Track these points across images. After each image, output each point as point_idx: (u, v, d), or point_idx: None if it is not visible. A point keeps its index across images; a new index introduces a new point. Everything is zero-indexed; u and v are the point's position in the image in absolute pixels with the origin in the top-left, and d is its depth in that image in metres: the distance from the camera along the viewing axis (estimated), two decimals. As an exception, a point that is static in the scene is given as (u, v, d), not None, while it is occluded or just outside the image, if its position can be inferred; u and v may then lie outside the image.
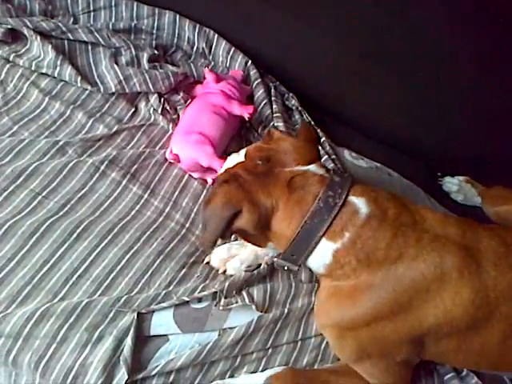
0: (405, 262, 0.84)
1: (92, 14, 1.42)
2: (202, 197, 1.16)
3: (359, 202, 0.86)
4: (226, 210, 0.85)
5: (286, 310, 1.02)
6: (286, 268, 0.95)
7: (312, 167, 0.90)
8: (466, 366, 1.02)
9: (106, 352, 0.89)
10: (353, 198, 0.87)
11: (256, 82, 1.37)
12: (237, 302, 0.99)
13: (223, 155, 1.12)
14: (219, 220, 0.85)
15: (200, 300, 0.99)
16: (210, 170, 1.15)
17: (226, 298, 1.00)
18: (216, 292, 0.99)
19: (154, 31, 1.41)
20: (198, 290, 0.99)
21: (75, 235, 1.00)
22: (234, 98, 1.23)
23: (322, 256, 0.87)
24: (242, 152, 0.97)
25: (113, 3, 1.43)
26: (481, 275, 0.83)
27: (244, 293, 1.01)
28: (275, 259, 0.97)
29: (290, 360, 1.00)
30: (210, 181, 1.19)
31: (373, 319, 0.87)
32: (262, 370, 0.98)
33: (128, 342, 0.89)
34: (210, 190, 0.95)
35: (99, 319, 0.91)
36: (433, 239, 0.85)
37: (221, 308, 0.98)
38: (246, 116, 1.20)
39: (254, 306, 0.99)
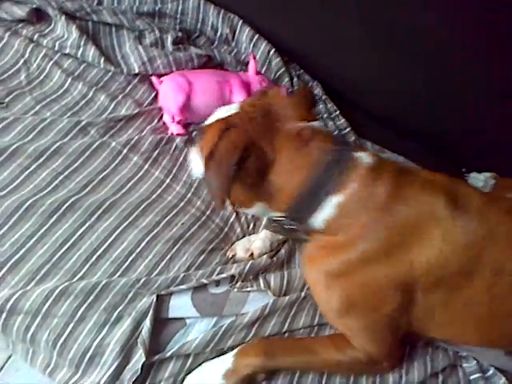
0: (398, 202, 0.84)
1: (116, -5, 1.40)
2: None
3: (362, 155, 0.87)
4: (234, 154, 0.81)
5: (302, 294, 1.00)
6: (288, 227, 0.92)
7: (317, 124, 0.90)
8: (453, 336, 0.95)
9: (124, 333, 0.88)
10: (356, 153, 0.88)
11: (279, 72, 1.35)
12: (252, 287, 0.98)
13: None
14: (227, 169, 0.81)
15: (218, 284, 0.98)
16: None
17: (243, 281, 0.98)
18: (234, 276, 0.98)
19: (178, 16, 1.39)
20: (215, 273, 0.98)
21: (96, 216, 0.99)
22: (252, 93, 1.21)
23: (325, 210, 0.86)
24: (235, 106, 0.95)
25: (137, -14, 1.41)
26: (468, 217, 0.83)
27: (261, 279, 1.00)
28: (276, 221, 0.94)
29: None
30: (170, 131, 1.18)
31: (364, 262, 0.85)
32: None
33: (146, 323, 0.88)
34: (207, 143, 0.87)
35: (118, 300, 0.90)
36: (424, 182, 0.87)
37: (236, 290, 0.98)
38: None
39: (270, 292, 0.98)
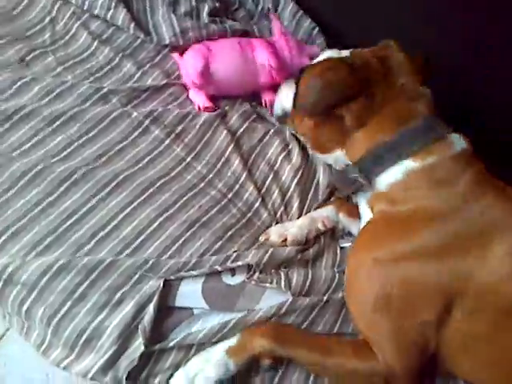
0: (474, 201, 0.79)
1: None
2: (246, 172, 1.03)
3: (458, 138, 0.86)
4: (346, 87, 0.87)
5: (324, 298, 0.90)
6: (352, 177, 0.92)
7: (427, 91, 0.91)
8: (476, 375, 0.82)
9: (125, 317, 0.80)
10: (453, 134, 0.86)
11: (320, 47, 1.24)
12: (271, 283, 0.89)
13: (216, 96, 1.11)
14: (332, 95, 0.88)
15: (234, 274, 0.89)
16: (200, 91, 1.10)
17: (261, 272, 0.90)
18: (251, 266, 0.89)
19: None
20: (230, 260, 0.89)
21: (108, 189, 0.91)
22: (279, 55, 1.10)
23: (393, 172, 0.85)
24: (345, 52, 0.99)
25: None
26: None
27: (282, 274, 0.91)
28: (342, 167, 0.96)
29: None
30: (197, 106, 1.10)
31: (419, 253, 0.78)
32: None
33: (149, 310, 0.81)
34: (312, 74, 0.92)
35: (122, 281, 0.83)
36: (503, 191, 0.81)
37: (253, 283, 0.89)
38: (267, 68, 1.08)
39: (289, 293, 0.89)
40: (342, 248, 1.03)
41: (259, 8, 1.30)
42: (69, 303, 0.80)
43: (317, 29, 1.26)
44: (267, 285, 0.89)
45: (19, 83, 0.99)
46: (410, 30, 1.10)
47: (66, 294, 0.80)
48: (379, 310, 0.79)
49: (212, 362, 0.81)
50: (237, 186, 1.02)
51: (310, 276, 0.93)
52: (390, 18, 1.16)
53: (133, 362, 0.78)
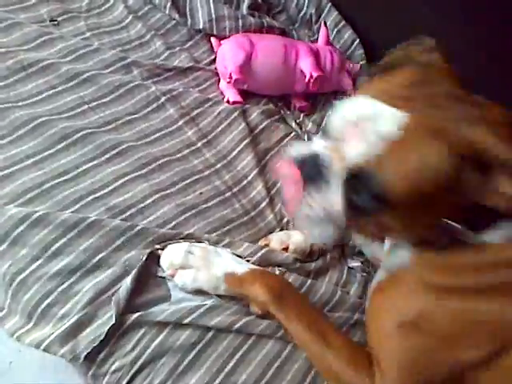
0: None
1: None
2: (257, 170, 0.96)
3: None
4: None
5: None
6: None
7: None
8: None
9: (98, 285, 0.73)
10: None
11: (361, 63, 1.18)
12: None
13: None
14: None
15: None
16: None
17: None
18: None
19: None
20: (222, 244, 0.83)
21: (108, 155, 0.86)
22: (320, 65, 1.06)
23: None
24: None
25: None
26: None
27: (277, 273, 0.82)
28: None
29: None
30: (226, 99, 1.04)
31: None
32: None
33: (127, 281, 0.73)
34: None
35: (103, 243, 0.76)
36: None
37: None
38: (307, 77, 1.03)
39: None
40: (349, 268, 0.93)
41: (301, 14, 1.27)
42: (38, 262, 0.73)
43: (357, 41, 1.22)
44: None
45: (44, 38, 0.97)
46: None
47: (37, 250, 0.73)
48: (405, 333, 0.66)
49: (209, 271, 0.76)
50: (245, 182, 0.95)
51: (306, 285, 0.83)
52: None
53: (99, 336, 0.70)
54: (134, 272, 0.74)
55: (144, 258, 0.76)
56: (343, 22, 1.23)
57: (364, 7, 1.23)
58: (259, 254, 0.82)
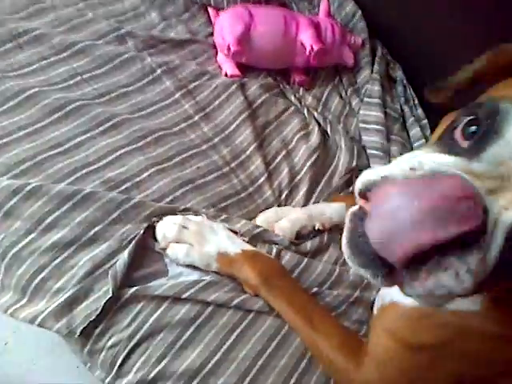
0: None
1: None
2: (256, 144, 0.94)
3: None
4: None
5: (315, 290, 0.80)
6: None
7: None
8: None
9: (94, 258, 0.72)
10: None
11: (362, 36, 1.16)
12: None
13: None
14: None
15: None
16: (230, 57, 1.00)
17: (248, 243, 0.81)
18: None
19: None
20: (220, 219, 0.81)
21: (102, 128, 0.83)
22: (321, 38, 1.03)
23: None
24: None
25: None
26: None
27: (274, 250, 0.81)
28: None
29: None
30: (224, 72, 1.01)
31: None
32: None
33: (124, 255, 0.72)
34: None
35: (99, 216, 0.74)
36: None
37: None
38: (308, 49, 1.00)
39: None
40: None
41: (302, -15, 1.22)
42: (32, 235, 0.71)
43: (359, 13, 1.18)
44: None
45: (36, 6, 0.93)
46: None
47: (31, 222, 0.71)
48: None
49: (202, 248, 0.76)
50: (243, 156, 0.92)
51: (303, 263, 0.82)
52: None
53: (95, 311, 0.69)
54: (131, 245, 0.73)
55: (141, 232, 0.74)
56: (345, -5, 1.20)
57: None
58: (255, 232, 0.81)
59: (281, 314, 0.75)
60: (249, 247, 0.78)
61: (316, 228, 0.88)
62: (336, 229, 0.91)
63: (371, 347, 0.69)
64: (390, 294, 0.68)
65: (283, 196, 0.92)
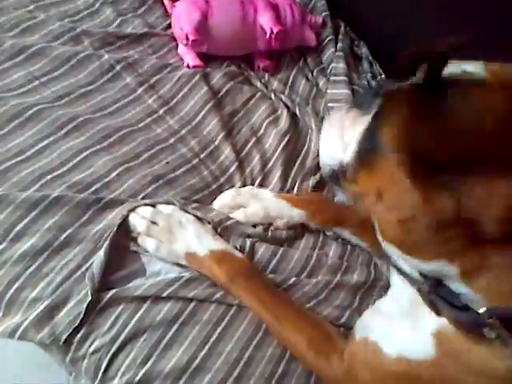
0: None
1: None
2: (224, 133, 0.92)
3: None
4: None
5: (293, 280, 0.80)
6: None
7: None
8: None
9: (69, 262, 0.71)
10: None
11: (323, 15, 1.14)
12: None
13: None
14: None
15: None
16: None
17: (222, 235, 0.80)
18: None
19: None
20: (191, 207, 0.81)
21: (64, 131, 0.81)
22: (281, 20, 1.02)
23: None
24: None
25: None
26: None
27: (247, 243, 0.80)
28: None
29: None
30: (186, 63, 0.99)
31: None
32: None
33: (100, 254, 0.70)
34: None
35: (68, 220, 0.73)
36: None
37: None
38: (268, 32, 0.98)
39: None
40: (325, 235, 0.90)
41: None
42: (2, 245, 0.70)
43: (319, -7, 1.17)
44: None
45: (-19, 12, 0.90)
46: None
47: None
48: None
49: (171, 246, 0.75)
50: (212, 147, 0.91)
51: (279, 253, 0.82)
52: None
53: (78, 316, 0.68)
54: (105, 244, 0.71)
55: (115, 229, 0.73)
56: (303, -26, 1.18)
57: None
58: (227, 224, 0.80)
59: (253, 312, 0.75)
60: (217, 246, 0.77)
61: (271, 228, 0.85)
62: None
63: (347, 355, 0.68)
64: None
65: (256, 183, 0.91)
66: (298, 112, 1.01)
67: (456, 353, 0.53)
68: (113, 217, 0.74)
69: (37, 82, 0.86)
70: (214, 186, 0.87)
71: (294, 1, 1.08)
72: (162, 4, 1.07)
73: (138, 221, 0.75)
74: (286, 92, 1.06)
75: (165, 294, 0.72)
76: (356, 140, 0.58)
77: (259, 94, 1.02)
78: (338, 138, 0.64)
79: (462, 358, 0.53)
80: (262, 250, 0.81)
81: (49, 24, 0.93)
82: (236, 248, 0.79)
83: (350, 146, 0.60)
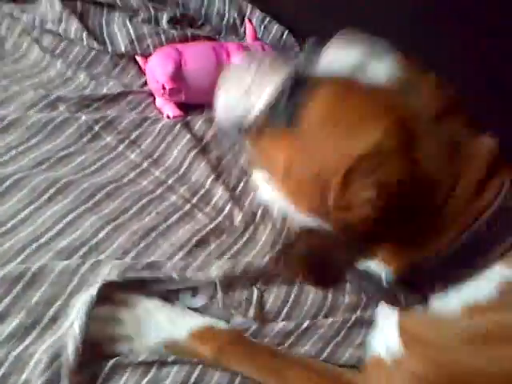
0: None
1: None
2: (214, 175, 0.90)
3: None
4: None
5: (306, 323, 0.74)
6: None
7: (487, 140, 0.52)
8: None
9: (56, 342, 0.63)
10: None
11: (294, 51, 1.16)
12: (237, 308, 0.74)
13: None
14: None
15: (195, 294, 0.74)
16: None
17: (229, 289, 0.75)
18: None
19: (180, 1, 1.22)
20: (191, 268, 0.74)
21: (46, 196, 0.78)
22: None
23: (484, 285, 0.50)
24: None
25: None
26: None
27: (255, 293, 0.76)
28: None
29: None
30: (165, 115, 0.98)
31: None
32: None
33: (74, 330, 0.62)
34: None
35: (55, 292, 0.67)
36: None
37: (219, 305, 0.73)
38: None
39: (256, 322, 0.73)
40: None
41: (224, 21, 1.22)
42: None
43: (286, 32, 1.19)
44: (232, 311, 0.74)
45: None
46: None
47: (-19, 317, 0.64)
48: None
49: (145, 340, 0.68)
50: (203, 191, 0.88)
51: (292, 296, 0.77)
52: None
53: None
54: (81, 314, 0.63)
55: (94, 297, 0.65)
56: (268, 18, 1.21)
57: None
58: (233, 270, 0.75)
59: (254, 377, 0.68)
60: (196, 324, 0.70)
61: None
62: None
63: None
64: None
65: (257, 219, 0.86)
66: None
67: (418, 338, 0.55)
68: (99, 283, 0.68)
69: (14, 152, 0.83)
70: (211, 226, 0.83)
71: (264, 42, 1.09)
72: (136, 63, 1.07)
73: (103, 326, 0.67)
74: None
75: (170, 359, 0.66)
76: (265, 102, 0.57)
77: (245, 136, 1.00)
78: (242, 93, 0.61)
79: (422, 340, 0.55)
80: (273, 297, 0.77)
81: (23, 94, 0.92)
82: (240, 306, 0.74)
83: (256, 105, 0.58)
